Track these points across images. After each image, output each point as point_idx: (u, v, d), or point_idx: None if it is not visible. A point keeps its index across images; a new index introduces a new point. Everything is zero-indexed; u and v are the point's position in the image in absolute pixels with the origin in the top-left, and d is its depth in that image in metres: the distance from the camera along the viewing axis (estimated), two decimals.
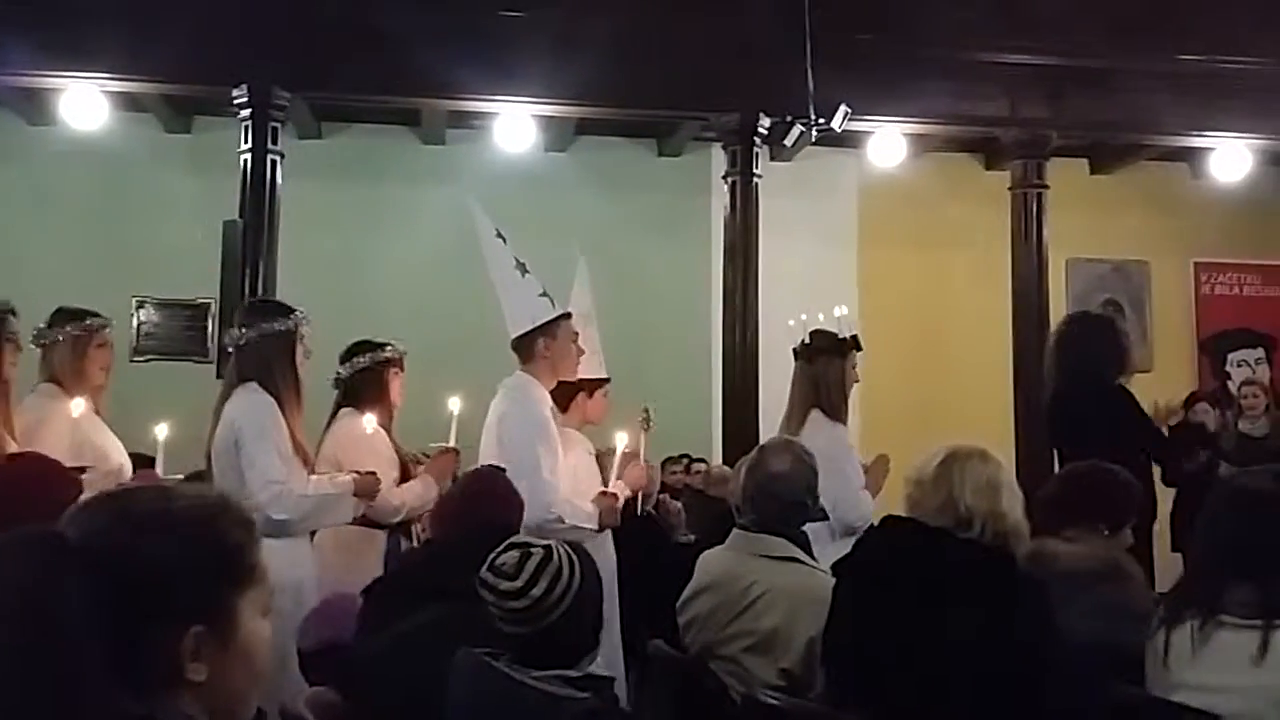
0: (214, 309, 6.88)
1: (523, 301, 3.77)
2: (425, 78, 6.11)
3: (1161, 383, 7.54)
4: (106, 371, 3.79)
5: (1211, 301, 8.46)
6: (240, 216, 6.06)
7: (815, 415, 4.02)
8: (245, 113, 6.10)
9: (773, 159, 7.16)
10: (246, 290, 5.87)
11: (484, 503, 2.79)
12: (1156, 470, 4.40)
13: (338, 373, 4.06)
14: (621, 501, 3.77)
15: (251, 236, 6.01)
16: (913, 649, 2.38)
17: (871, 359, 7.71)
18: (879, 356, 7.50)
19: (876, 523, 2.81)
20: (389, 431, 4.02)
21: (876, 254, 7.99)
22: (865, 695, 2.45)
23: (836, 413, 4.06)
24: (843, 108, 6.16)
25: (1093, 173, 8.24)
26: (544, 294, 3.80)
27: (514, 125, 6.56)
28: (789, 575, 2.78)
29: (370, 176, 7.48)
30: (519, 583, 2.01)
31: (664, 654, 2.92)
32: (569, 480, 3.64)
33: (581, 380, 4.00)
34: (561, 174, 7.57)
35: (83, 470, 3.12)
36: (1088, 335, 4.11)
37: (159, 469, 3.62)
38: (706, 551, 3.09)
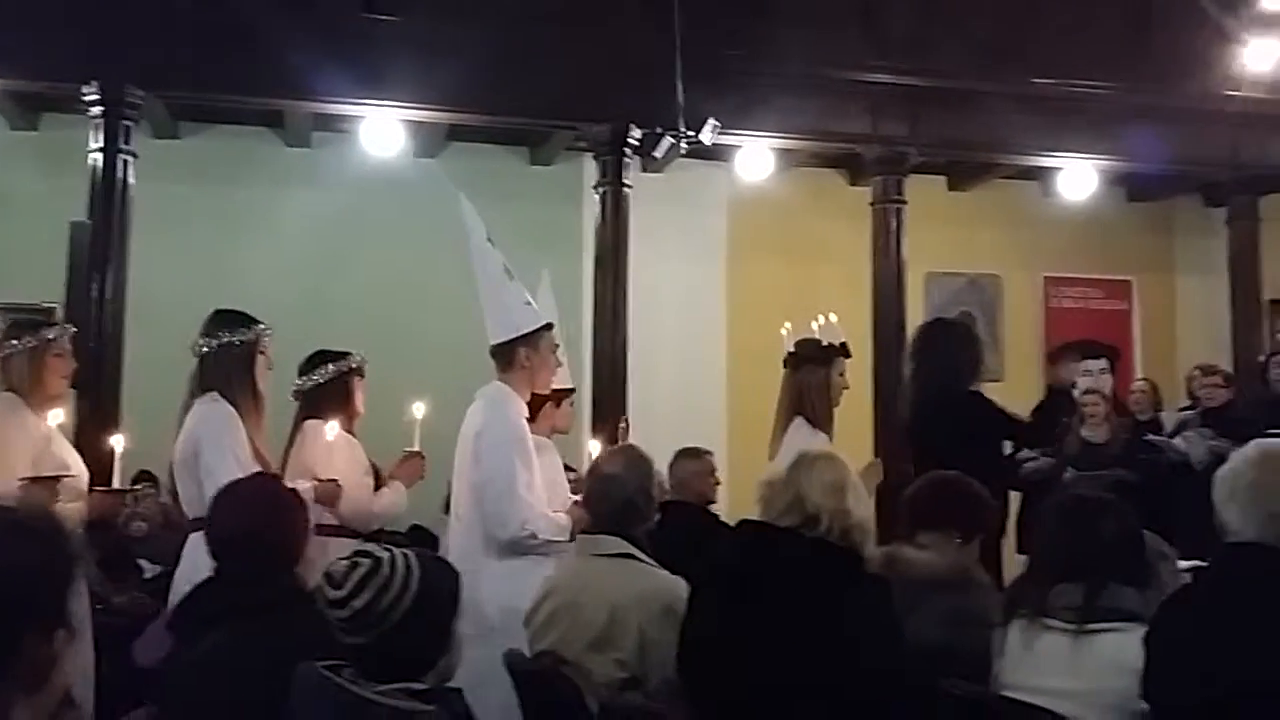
0: (59, 313, 6.57)
1: (507, 309, 3.74)
2: (288, 79, 5.97)
3: (1011, 391, 7.87)
4: (67, 380, 3.79)
5: (1059, 314, 8.88)
6: (89, 218, 5.81)
7: (798, 423, 4.07)
8: (96, 110, 5.86)
9: (644, 170, 7.24)
10: (94, 295, 5.64)
11: (260, 518, 2.61)
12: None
13: (298, 384, 4.09)
14: None
15: (100, 239, 5.77)
16: (765, 645, 2.43)
17: (738, 368, 7.97)
18: (745, 365, 7.67)
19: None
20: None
21: (744, 265, 8.14)
22: (718, 693, 2.49)
23: (819, 421, 4.10)
24: (711, 121, 6.27)
25: (950, 190, 8.55)
26: (528, 302, 3.79)
27: (381, 130, 6.47)
28: (621, 572, 2.83)
29: (231, 179, 7.27)
30: (343, 592, 1.98)
31: (517, 660, 2.92)
32: (544, 490, 3.63)
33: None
34: (432, 181, 7.47)
35: (58, 479, 3.30)
36: (943, 342, 4.26)
37: (115, 478, 3.65)
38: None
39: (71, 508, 3.43)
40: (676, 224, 7.75)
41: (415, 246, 7.34)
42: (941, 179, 8.44)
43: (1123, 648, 2.24)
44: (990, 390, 4.89)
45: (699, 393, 7.83)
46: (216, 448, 3.35)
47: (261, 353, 3.59)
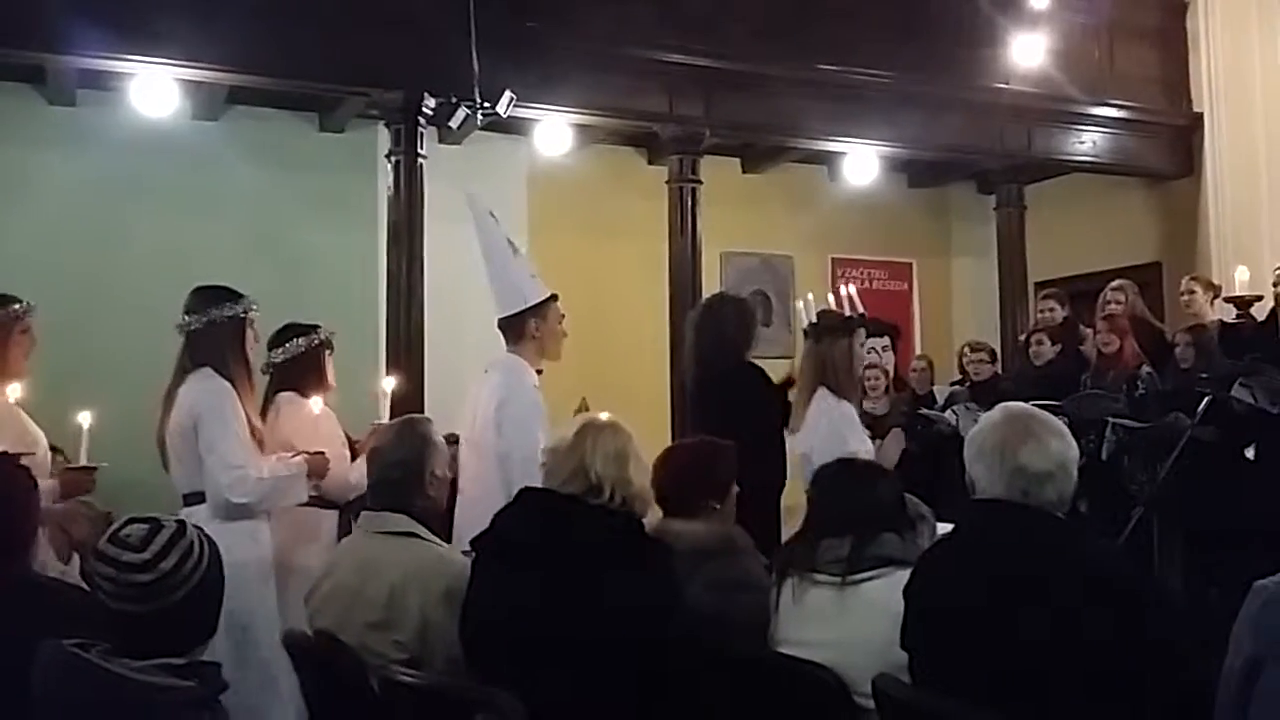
0: None
1: (514, 282, 3.86)
2: (49, 32, 5.51)
3: None
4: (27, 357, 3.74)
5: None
6: None
7: (822, 392, 4.13)
8: None
9: (440, 141, 7.08)
10: None
11: None
12: None
13: (270, 357, 4.02)
14: None
15: None
16: (549, 613, 2.43)
17: None
18: None
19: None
20: None
21: (545, 241, 8.09)
22: (506, 664, 2.46)
23: (843, 390, 4.17)
24: (508, 93, 6.18)
25: (744, 171, 8.77)
26: (534, 275, 3.89)
27: (153, 89, 6.07)
28: (402, 550, 2.77)
29: None
30: (146, 555, 1.89)
31: (296, 639, 2.82)
32: None
33: None
34: (211, 145, 7.09)
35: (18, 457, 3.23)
36: (720, 316, 4.35)
37: (83, 456, 3.59)
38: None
39: (45, 485, 3.41)
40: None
41: (194, 214, 6.96)
42: (736, 160, 8.64)
43: (885, 593, 2.34)
44: (781, 367, 5.06)
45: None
46: (218, 422, 3.39)
47: (250, 326, 3.63)
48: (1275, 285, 5.79)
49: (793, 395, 4.31)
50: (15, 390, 3.59)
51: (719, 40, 6.90)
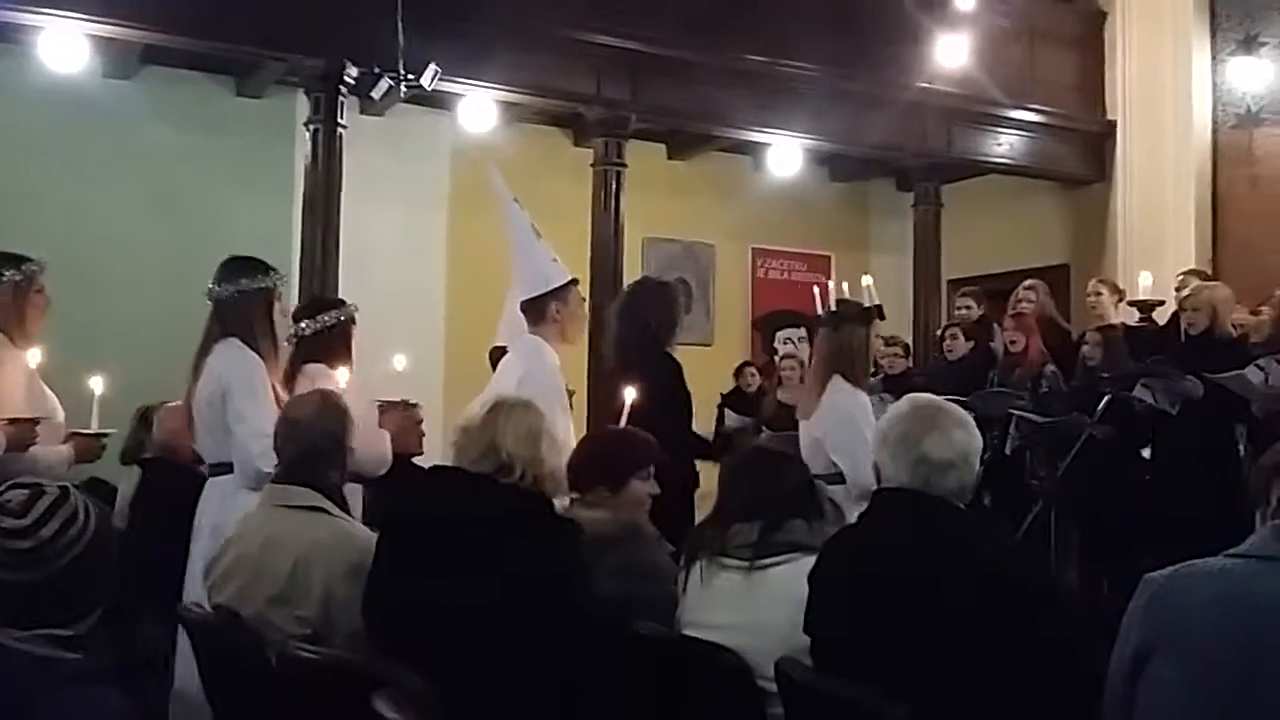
0: None
1: (537, 265, 3.94)
2: None
3: (721, 355, 8.25)
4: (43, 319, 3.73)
5: (765, 284, 9.35)
6: None
7: (837, 380, 4.09)
8: None
9: (362, 112, 6.95)
10: None
11: None
12: None
13: (299, 329, 4.00)
14: None
15: None
16: (453, 589, 2.40)
17: (457, 324, 7.85)
18: (465, 321, 7.57)
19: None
20: None
21: (467, 219, 8.01)
22: (409, 641, 2.43)
23: (858, 379, 4.16)
24: (433, 66, 6.09)
25: (670, 158, 8.78)
26: (555, 259, 3.97)
27: (63, 44, 5.84)
28: (307, 524, 2.71)
29: None
30: (26, 521, 1.82)
31: (192, 613, 2.75)
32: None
33: None
34: (124, 104, 6.86)
35: (37, 421, 3.36)
36: (644, 304, 4.34)
37: (94, 423, 3.63)
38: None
39: (60, 450, 3.52)
40: (395, 171, 7.52)
41: (103, 174, 6.74)
42: (662, 147, 8.65)
43: (790, 578, 2.37)
44: (701, 354, 5.09)
45: (416, 346, 7.62)
46: (248, 393, 3.40)
47: (278, 299, 3.67)
48: (1178, 290, 5.98)
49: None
50: (35, 356, 3.61)
51: (649, 25, 6.89)
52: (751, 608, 2.43)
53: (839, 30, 7.48)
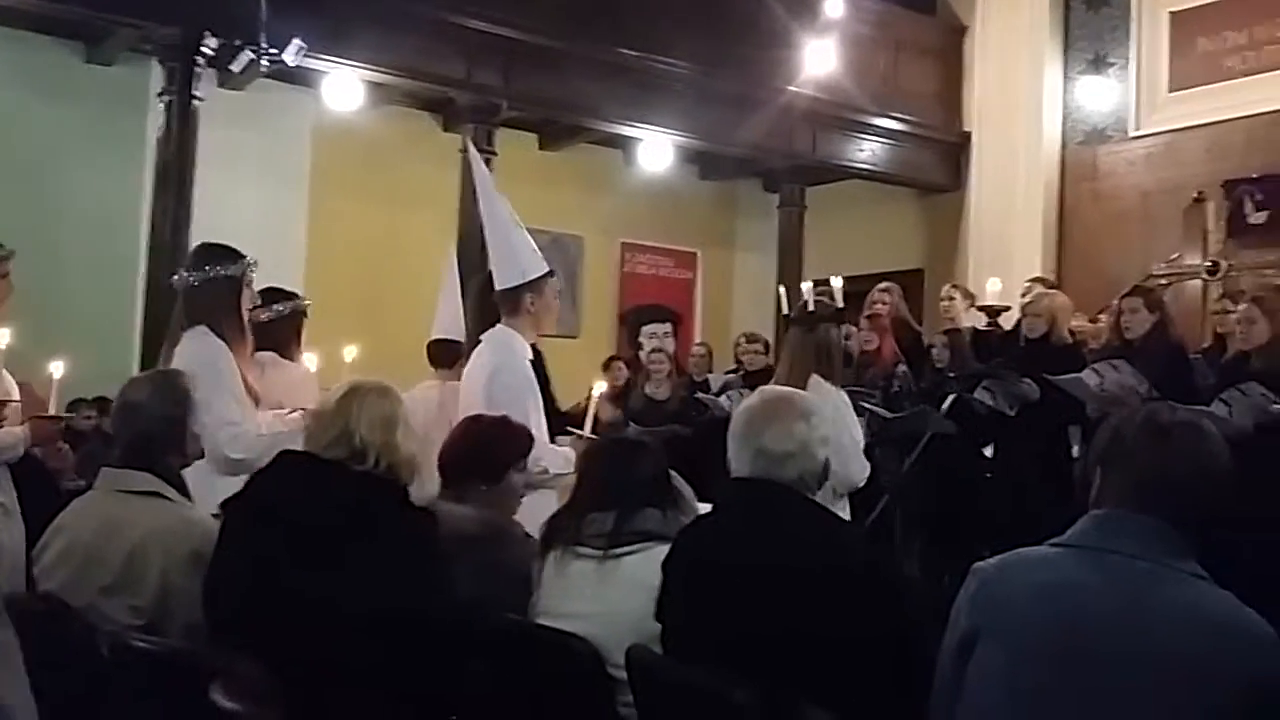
0: None
1: (515, 255, 3.84)
2: None
3: (586, 349, 8.26)
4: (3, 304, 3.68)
5: (633, 279, 9.41)
6: None
7: (815, 380, 4.14)
8: None
9: (220, 85, 6.71)
10: None
11: None
12: None
13: (251, 316, 3.89)
14: None
15: None
16: (302, 581, 2.34)
17: (317, 309, 7.63)
18: (325, 305, 7.35)
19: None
20: None
21: (328, 199, 7.83)
22: (250, 630, 2.36)
23: (834, 377, 4.26)
24: (296, 41, 5.92)
25: (541, 148, 8.75)
26: (534, 250, 3.88)
27: None
28: (145, 510, 2.61)
29: None
30: None
31: (19, 600, 2.61)
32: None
33: None
34: None
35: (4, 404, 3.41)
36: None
37: (52, 406, 3.62)
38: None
39: (15, 431, 3.51)
40: (254, 148, 7.29)
41: None
42: (534, 136, 8.61)
43: (643, 567, 2.39)
44: (567, 346, 5.08)
45: None
46: (214, 381, 3.33)
47: (247, 286, 3.59)
48: (1023, 296, 6.26)
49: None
50: (4, 336, 3.58)
51: (523, 11, 6.84)
52: (604, 596, 2.44)
53: (711, 30, 7.57)
